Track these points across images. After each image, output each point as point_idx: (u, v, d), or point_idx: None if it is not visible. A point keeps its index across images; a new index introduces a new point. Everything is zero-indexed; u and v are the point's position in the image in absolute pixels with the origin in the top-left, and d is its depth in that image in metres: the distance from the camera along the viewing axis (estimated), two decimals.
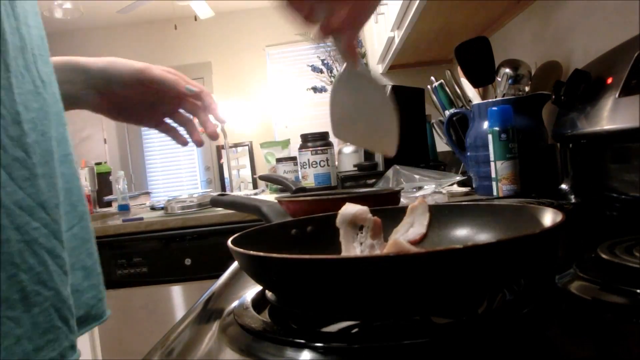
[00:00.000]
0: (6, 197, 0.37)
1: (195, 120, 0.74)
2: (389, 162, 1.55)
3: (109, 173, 2.37)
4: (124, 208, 2.11)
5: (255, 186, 3.53)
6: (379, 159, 1.67)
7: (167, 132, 0.75)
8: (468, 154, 1.19)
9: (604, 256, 0.41)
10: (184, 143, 0.75)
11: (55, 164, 0.44)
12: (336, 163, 1.99)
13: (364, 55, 2.72)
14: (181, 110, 0.74)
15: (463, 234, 0.48)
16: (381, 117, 0.46)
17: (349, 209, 0.49)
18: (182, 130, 0.76)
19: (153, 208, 2.01)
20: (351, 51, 0.43)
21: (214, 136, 0.71)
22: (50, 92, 0.46)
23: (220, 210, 1.61)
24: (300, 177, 1.90)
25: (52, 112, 0.45)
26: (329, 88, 2.90)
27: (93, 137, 4.43)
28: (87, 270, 0.52)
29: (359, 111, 0.45)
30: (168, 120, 0.75)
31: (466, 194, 1.22)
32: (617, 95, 0.77)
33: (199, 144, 0.73)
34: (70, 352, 0.41)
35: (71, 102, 0.66)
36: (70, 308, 0.42)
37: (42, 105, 0.43)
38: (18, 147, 0.39)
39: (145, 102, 0.71)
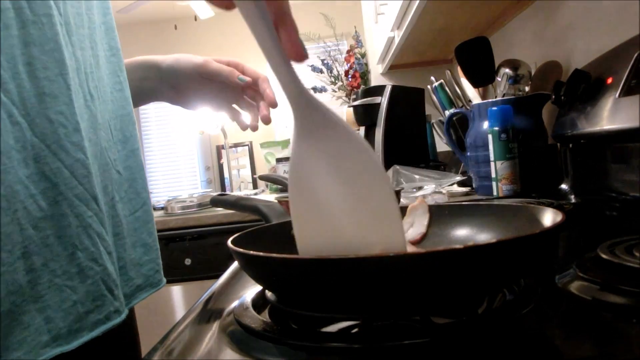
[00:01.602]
0: (69, 191, 0.47)
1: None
2: (389, 162, 1.55)
3: None
4: None
5: (255, 186, 3.53)
6: (379, 159, 1.67)
7: (234, 117, 0.82)
8: (468, 154, 1.19)
9: (604, 256, 0.41)
10: (243, 128, 0.82)
11: (103, 163, 0.54)
12: None
13: (363, 55, 2.72)
14: (246, 97, 0.81)
15: (463, 234, 0.48)
16: (373, 193, 0.30)
17: None
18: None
19: (153, 208, 2.01)
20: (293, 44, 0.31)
21: (265, 120, 0.77)
22: (97, 105, 0.54)
23: (220, 210, 1.61)
24: None
25: (99, 120, 0.54)
26: (329, 88, 2.89)
27: None
28: (146, 247, 0.62)
29: (335, 198, 0.31)
30: (236, 107, 0.82)
31: (466, 194, 1.22)
32: (617, 95, 0.77)
33: (254, 128, 0.80)
34: (114, 315, 0.50)
35: (150, 95, 0.77)
36: (115, 281, 0.51)
37: (89, 116, 0.52)
38: (79, 150, 0.48)
39: (211, 92, 0.77)
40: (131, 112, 0.63)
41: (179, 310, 1.76)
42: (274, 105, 0.76)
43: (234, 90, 0.78)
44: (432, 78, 1.57)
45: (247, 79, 0.75)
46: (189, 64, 0.74)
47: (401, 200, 0.91)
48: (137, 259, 0.60)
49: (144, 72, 0.74)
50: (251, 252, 0.35)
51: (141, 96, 0.75)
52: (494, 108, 1.02)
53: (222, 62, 0.75)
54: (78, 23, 0.52)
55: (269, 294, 0.41)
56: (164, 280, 0.66)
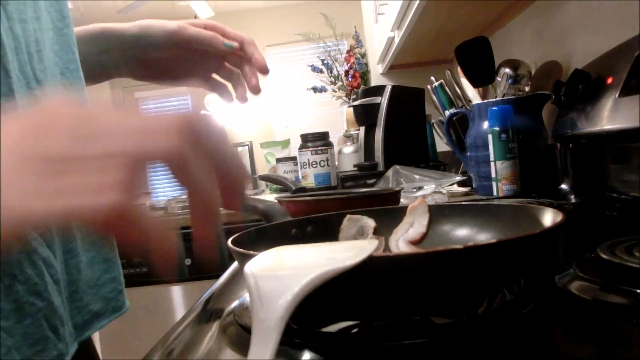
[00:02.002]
0: None
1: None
2: (389, 162, 1.55)
3: None
4: None
5: (255, 186, 3.53)
6: (379, 159, 1.67)
7: (215, 90, 0.70)
8: (468, 154, 1.18)
9: (604, 256, 0.41)
10: (229, 100, 0.70)
11: None
12: (336, 163, 1.99)
13: (363, 55, 2.73)
14: (227, 64, 0.68)
15: (463, 234, 0.48)
16: None
17: (348, 231, 0.49)
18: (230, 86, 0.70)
19: (153, 208, 2.01)
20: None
21: (255, 91, 0.65)
22: (46, 90, 0.45)
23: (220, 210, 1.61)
24: (300, 177, 1.90)
25: None
26: (329, 88, 2.89)
27: None
28: (108, 263, 0.51)
29: None
30: (216, 76, 0.70)
31: (466, 194, 1.21)
32: (617, 95, 0.77)
33: (242, 100, 0.67)
34: None
35: (111, 71, 0.64)
36: (61, 317, 0.42)
37: None
38: None
39: (187, 63, 0.66)
40: (83, 94, 0.52)
41: (179, 310, 1.76)
42: (264, 71, 0.64)
43: (214, 58, 0.66)
44: (432, 78, 1.57)
45: (234, 44, 0.63)
46: (161, 31, 0.63)
47: (401, 200, 0.91)
48: (94, 279, 0.49)
49: (103, 43, 0.62)
50: (251, 252, 0.35)
51: (100, 73, 0.64)
52: (494, 108, 1.02)
53: (198, 26, 0.64)
54: None
55: None
56: (127, 303, 0.55)
